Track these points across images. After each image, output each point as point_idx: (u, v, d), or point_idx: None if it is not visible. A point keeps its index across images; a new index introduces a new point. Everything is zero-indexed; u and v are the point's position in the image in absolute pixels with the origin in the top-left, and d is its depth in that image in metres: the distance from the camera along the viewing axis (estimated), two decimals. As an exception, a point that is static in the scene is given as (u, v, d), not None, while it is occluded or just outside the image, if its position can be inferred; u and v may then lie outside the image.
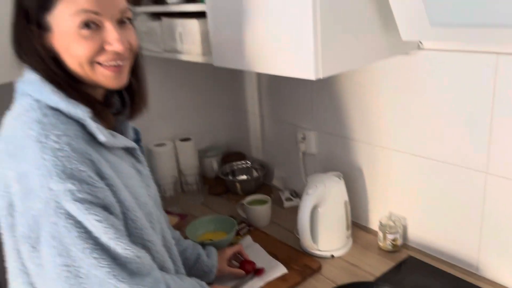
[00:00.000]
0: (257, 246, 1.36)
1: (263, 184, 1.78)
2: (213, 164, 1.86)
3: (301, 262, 1.27)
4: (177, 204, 1.66)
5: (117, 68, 0.82)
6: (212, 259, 1.17)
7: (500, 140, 1.05)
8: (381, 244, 1.32)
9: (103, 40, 0.79)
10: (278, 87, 1.64)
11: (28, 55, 0.80)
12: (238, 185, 1.72)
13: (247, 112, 1.83)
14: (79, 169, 0.73)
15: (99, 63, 0.81)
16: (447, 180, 1.19)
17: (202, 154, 1.88)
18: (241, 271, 1.20)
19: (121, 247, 0.75)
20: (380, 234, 1.31)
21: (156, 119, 1.76)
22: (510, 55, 0.98)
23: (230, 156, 1.89)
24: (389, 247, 1.30)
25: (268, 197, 1.53)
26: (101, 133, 0.80)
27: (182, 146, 1.79)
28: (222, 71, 1.87)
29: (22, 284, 0.79)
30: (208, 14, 1.16)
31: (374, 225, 1.43)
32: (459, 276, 1.18)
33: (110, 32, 0.79)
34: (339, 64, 0.97)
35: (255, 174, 1.80)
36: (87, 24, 0.77)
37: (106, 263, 0.73)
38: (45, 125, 0.74)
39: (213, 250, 1.20)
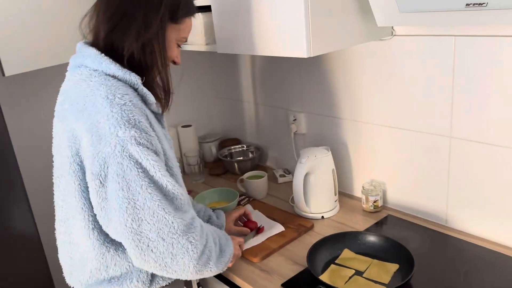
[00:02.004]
0: (257, 212, 1.54)
1: (258, 165, 1.97)
2: (212, 148, 2.04)
3: (296, 222, 1.47)
4: (181, 183, 1.84)
5: None
6: (221, 220, 1.36)
7: (460, 108, 1.26)
8: (364, 206, 1.52)
9: (176, 55, 1.10)
10: (270, 76, 1.83)
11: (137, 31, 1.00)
12: (235, 165, 1.91)
13: (242, 101, 2.02)
14: (139, 120, 0.92)
15: None
16: (417, 147, 1.40)
17: (201, 140, 2.06)
18: (247, 229, 1.38)
19: (170, 184, 0.94)
20: (363, 197, 1.52)
21: (160, 107, 1.94)
22: (464, 37, 1.20)
23: (227, 141, 2.08)
24: (371, 208, 1.51)
25: (265, 172, 1.73)
26: (150, 96, 1.00)
27: (183, 131, 1.98)
28: (219, 64, 2.07)
29: (81, 220, 0.98)
30: (213, 7, 1.35)
31: (358, 192, 1.63)
32: (431, 228, 1.39)
33: (179, 52, 1.12)
34: (326, 45, 1.17)
35: (250, 155, 1.99)
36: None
37: (157, 198, 0.92)
38: (110, 87, 0.94)
39: (221, 213, 1.39)
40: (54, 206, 1.08)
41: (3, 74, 1.39)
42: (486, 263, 1.21)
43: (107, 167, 0.91)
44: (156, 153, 0.95)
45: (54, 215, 1.09)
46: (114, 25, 1.00)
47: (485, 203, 1.28)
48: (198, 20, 1.46)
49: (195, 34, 1.49)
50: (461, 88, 1.24)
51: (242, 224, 1.43)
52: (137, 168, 0.91)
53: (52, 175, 1.06)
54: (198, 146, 2.01)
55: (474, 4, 0.97)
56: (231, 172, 1.93)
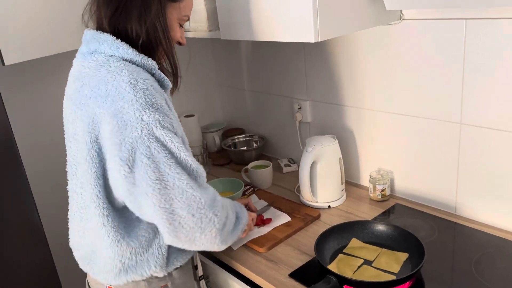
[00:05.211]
0: (262, 202, 1.52)
1: (262, 155, 1.94)
2: (216, 138, 2.02)
3: (302, 212, 1.44)
4: (185, 173, 1.82)
5: None
6: None
7: (470, 94, 1.23)
8: (371, 195, 1.50)
9: (180, 35, 1.08)
10: (274, 64, 1.80)
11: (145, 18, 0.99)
12: (240, 155, 1.88)
13: (246, 90, 1.99)
14: (161, 104, 0.93)
15: None
16: (426, 134, 1.37)
17: (204, 130, 2.04)
18: (252, 213, 1.35)
19: (194, 163, 0.96)
20: (371, 186, 1.49)
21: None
22: (475, 20, 1.16)
23: (230, 131, 2.05)
24: (379, 197, 1.48)
25: (269, 162, 1.70)
26: (167, 80, 1.00)
27: (187, 121, 1.94)
28: (222, 52, 2.03)
29: (96, 207, 0.98)
30: (217, -7, 1.32)
31: (365, 181, 1.61)
32: (440, 216, 1.37)
33: (183, 32, 1.11)
34: (334, 30, 1.14)
35: (254, 145, 1.96)
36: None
37: (185, 177, 0.93)
38: (131, 71, 0.93)
39: (224, 200, 1.37)
40: (57, 196, 1.06)
41: (3, 63, 1.36)
42: (497, 251, 1.19)
43: (135, 152, 0.91)
44: (177, 135, 0.95)
45: (57, 205, 1.07)
46: (114, 9, 0.99)
47: (496, 191, 1.26)
48: (201, 6, 1.43)
49: (198, 20, 1.46)
50: (472, 73, 1.21)
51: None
52: (164, 150, 0.92)
53: (55, 165, 1.05)
54: (201, 136, 1.98)
55: (488, -16, 0.93)
56: (235, 162, 1.91)
